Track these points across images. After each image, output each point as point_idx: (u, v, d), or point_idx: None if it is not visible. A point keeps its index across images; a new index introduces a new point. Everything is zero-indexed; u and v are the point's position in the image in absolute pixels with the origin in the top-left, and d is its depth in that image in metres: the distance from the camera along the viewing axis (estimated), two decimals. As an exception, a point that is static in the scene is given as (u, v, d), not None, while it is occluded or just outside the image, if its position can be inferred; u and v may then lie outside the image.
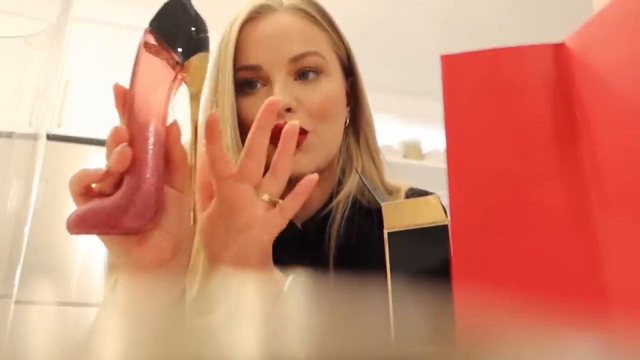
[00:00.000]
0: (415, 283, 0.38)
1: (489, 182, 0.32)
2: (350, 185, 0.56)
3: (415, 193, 0.64)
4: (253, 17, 0.53)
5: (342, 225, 0.55)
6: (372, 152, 0.60)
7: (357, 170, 0.63)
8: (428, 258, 0.39)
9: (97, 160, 2.16)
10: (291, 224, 0.50)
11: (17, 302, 1.88)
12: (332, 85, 0.54)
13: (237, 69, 0.52)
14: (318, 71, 0.53)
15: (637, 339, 0.24)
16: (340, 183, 0.57)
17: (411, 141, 3.09)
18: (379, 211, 0.56)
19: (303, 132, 0.51)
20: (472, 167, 0.32)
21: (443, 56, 0.35)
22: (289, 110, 0.50)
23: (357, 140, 0.59)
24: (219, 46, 0.53)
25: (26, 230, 1.99)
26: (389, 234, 0.41)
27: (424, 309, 0.36)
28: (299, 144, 0.50)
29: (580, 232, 0.30)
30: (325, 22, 0.57)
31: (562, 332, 0.24)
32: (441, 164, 2.88)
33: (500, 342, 0.20)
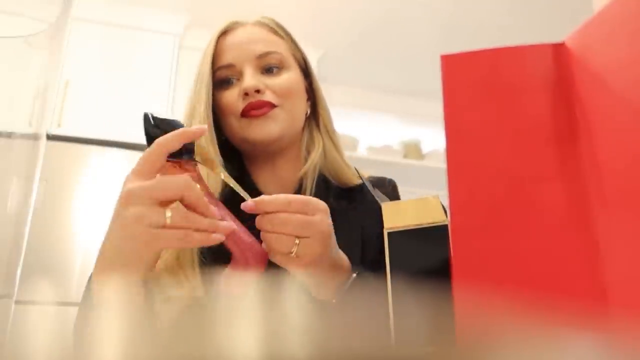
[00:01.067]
0: (415, 283, 0.38)
1: (489, 182, 0.32)
2: (314, 158, 0.67)
3: (374, 179, 0.75)
4: (227, 31, 0.67)
5: (313, 194, 0.65)
6: (330, 134, 0.71)
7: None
8: (428, 258, 0.39)
9: (97, 160, 2.16)
10: None
11: (17, 302, 1.88)
12: (292, 75, 0.67)
13: (216, 69, 0.64)
14: (280, 67, 0.66)
15: (637, 339, 0.24)
16: (306, 160, 0.68)
17: (411, 141, 3.09)
18: (349, 189, 0.68)
19: (272, 106, 0.63)
20: (472, 167, 0.32)
21: (443, 56, 0.35)
22: (258, 91, 0.62)
23: (318, 126, 0.71)
24: (201, 57, 0.66)
25: (26, 230, 1.99)
26: (389, 233, 0.41)
27: (424, 309, 0.36)
28: (265, 113, 0.62)
29: (580, 232, 0.30)
30: (283, 33, 0.70)
31: (562, 332, 0.24)
32: (441, 164, 2.88)
33: (500, 342, 0.20)
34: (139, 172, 0.42)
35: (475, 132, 0.33)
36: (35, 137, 2.23)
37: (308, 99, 0.71)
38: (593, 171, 0.30)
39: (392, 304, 0.38)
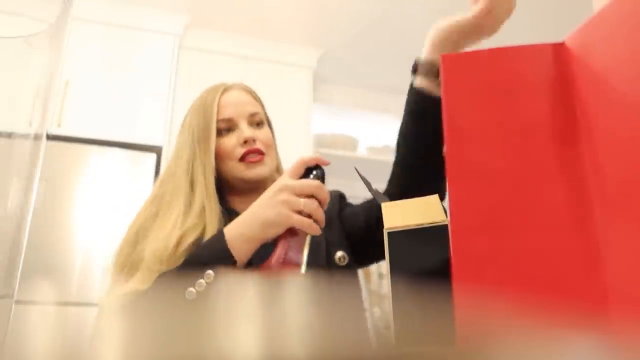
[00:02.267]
0: (415, 283, 0.38)
1: (489, 182, 0.32)
2: None
3: None
4: (223, 92, 0.88)
5: None
6: (280, 173, 0.94)
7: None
8: (428, 258, 0.39)
9: (97, 160, 2.16)
10: None
11: (17, 302, 1.88)
12: (269, 130, 0.91)
13: (217, 121, 0.84)
14: (262, 123, 0.88)
15: (638, 340, 0.24)
16: None
17: (411, 141, 3.08)
18: None
19: (262, 154, 0.85)
20: (472, 167, 0.32)
21: (443, 56, 0.35)
22: (254, 140, 0.84)
23: (275, 168, 0.95)
24: (202, 107, 0.86)
25: (26, 230, 1.99)
26: (389, 233, 0.41)
27: (424, 309, 0.36)
28: (260, 160, 0.84)
29: (581, 232, 0.30)
30: (258, 98, 0.92)
31: (562, 332, 0.24)
32: (441, 164, 2.86)
33: (500, 342, 0.20)
34: (290, 174, 0.65)
35: (475, 132, 0.33)
36: (35, 137, 2.23)
37: None
38: (593, 171, 0.30)
39: (392, 304, 0.38)
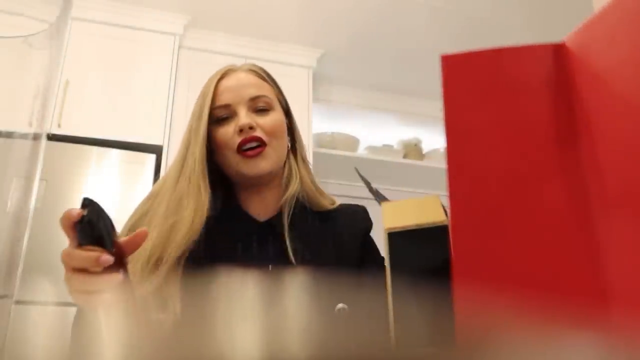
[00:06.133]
0: (415, 283, 0.38)
1: (489, 182, 0.32)
2: (292, 189, 0.79)
3: (346, 206, 0.87)
4: (223, 76, 0.79)
5: (290, 218, 0.77)
6: (306, 164, 0.85)
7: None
8: (428, 258, 0.39)
9: (97, 160, 2.16)
10: (254, 220, 0.77)
11: (17, 302, 1.88)
12: (278, 115, 0.79)
13: (213, 108, 0.76)
14: (268, 108, 0.78)
15: (638, 339, 0.24)
16: (286, 190, 0.80)
17: (411, 141, 3.09)
18: (321, 212, 0.81)
19: (263, 144, 0.74)
20: (472, 167, 0.32)
21: (443, 56, 0.35)
22: (251, 128, 0.74)
23: (296, 158, 0.84)
24: (201, 94, 0.78)
25: (26, 230, 1.99)
26: (389, 234, 0.41)
27: (424, 309, 0.36)
28: (259, 153, 0.73)
29: (581, 232, 0.30)
30: (269, 79, 0.83)
31: (563, 331, 0.24)
32: (441, 164, 2.88)
33: (500, 342, 0.20)
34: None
35: (475, 132, 0.33)
36: (35, 137, 2.23)
37: (289, 134, 0.84)
38: (593, 171, 0.30)
39: (392, 304, 0.38)
